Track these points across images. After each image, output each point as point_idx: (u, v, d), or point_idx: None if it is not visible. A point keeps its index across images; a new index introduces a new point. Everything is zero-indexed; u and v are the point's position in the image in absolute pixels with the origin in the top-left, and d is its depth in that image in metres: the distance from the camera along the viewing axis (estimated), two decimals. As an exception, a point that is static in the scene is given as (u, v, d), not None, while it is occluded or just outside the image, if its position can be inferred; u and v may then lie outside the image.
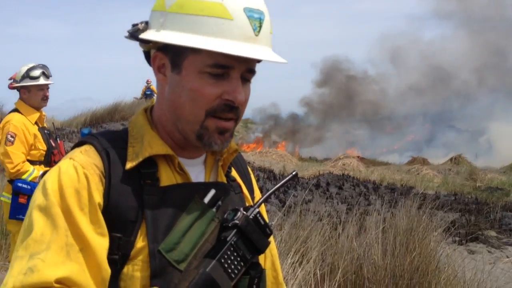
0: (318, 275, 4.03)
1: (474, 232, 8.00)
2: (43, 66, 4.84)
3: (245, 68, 1.26)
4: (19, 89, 4.83)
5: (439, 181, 16.71)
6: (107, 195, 1.22)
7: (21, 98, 4.84)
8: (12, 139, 4.57)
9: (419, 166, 21.55)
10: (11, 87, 4.88)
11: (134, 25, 1.29)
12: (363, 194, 10.95)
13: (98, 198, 1.21)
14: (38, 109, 4.88)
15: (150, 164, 1.27)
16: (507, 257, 7.15)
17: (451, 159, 25.21)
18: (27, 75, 4.74)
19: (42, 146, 4.76)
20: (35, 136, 4.72)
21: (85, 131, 1.42)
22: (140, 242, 1.21)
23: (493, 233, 8.23)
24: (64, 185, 1.19)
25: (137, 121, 1.36)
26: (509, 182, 15.72)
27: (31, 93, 4.79)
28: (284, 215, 6.07)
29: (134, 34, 1.28)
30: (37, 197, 1.21)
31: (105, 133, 1.34)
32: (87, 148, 1.27)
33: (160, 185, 1.26)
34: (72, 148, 1.32)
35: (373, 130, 42.28)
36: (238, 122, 1.33)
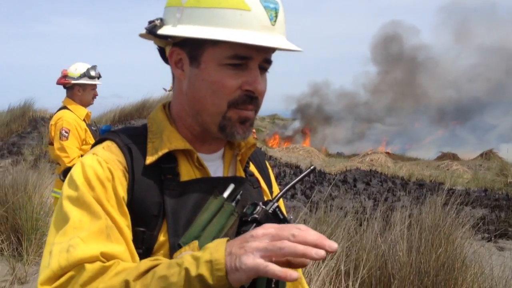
0: (342, 271, 4.01)
1: (503, 228, 7.86)
2: (96, 67, 5.13)
3: (262, 58, 1.28)
4: (71, 86, 5.05)
5: (469, 177, 16.43)
6: (131, 190, 1.24)
7: (71, 96, 5.07)
8: (67, 134, 4.79)
9: (448, 162, 21.25)
10: (66, 83, 5.05)
11: (150, 22, 1.31)
12: (391, 190, 10.85)
13: (122, 192, 1.23)
14: (86, 106, 5.13)
15: (170, 159, 1.29)
16: (538, 254, 7.01)
17: (481, 155, 24.77)
18: (86, 74, 5.02)
19: (92, 141, 4.95)
20: (85, 131, 4.96)
21: (105, 127, 1.44)
22: (162, 237, 1.23)
23: (523, 230, 8.07)
24: (90, 177, 1.22)
25: (156, 117, 1.38)
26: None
27: (86, 91, 5.08)
28: (309, 210, 6.07)
29: (152, 30, 1.29)
30: (66, 190, 1.23)
31: (125, 130, 1.36)
32: (109, 144, 1.30)
33: (180, 180, 1.28)
34: (94, 144, 1.35)
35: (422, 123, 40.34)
36: (257, 112, 1.34)
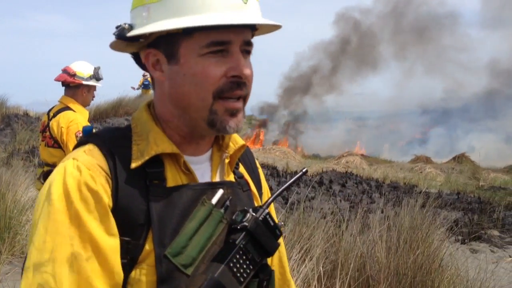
0: (322, 273, 4.03)
1: (477, 231, 7.99)
2: (100, 69, 4.99)
3: (242, 40, 1.22)
4: (76, 85, 4.85)
5: (442, 180, 16.70)
6: (115, 197, 1.16)
7: (73, 95, 4.88)
8: None
9: (422, 165, 21.53)
10: (75, 82, 4.83)
11: (117, 27, 1.23)
12: (366, 192, 10.95)
13: (107, 199, 1.15)
14: (85, 107, 5.01)
15: (156, 163, 1.22)
16: (510, 256, 7.16)
17: (454, 158, 25.19)
18: (96, 76, 4.87)
19: None
20: None
21: (88, 128, 1.38)
22: (148, 246, 1.16)
23: (496, 233, 8.23)
24: (70, 188, 1.14)
25: (140, 117, 1.29)
26: (512, 182, 15.69)
27: (89, 93, 4.94)
28: (287, 212, 6.08)
29: (120, 34, 1.22)
30: (41, 203, 1.16)
31: (108, 131, 1.29)
32: (91, 148, 1.21)
33: (166, 186, 1.21)
34: (75, 147, 1.27)
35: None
36: (247, 100, 1.28)
